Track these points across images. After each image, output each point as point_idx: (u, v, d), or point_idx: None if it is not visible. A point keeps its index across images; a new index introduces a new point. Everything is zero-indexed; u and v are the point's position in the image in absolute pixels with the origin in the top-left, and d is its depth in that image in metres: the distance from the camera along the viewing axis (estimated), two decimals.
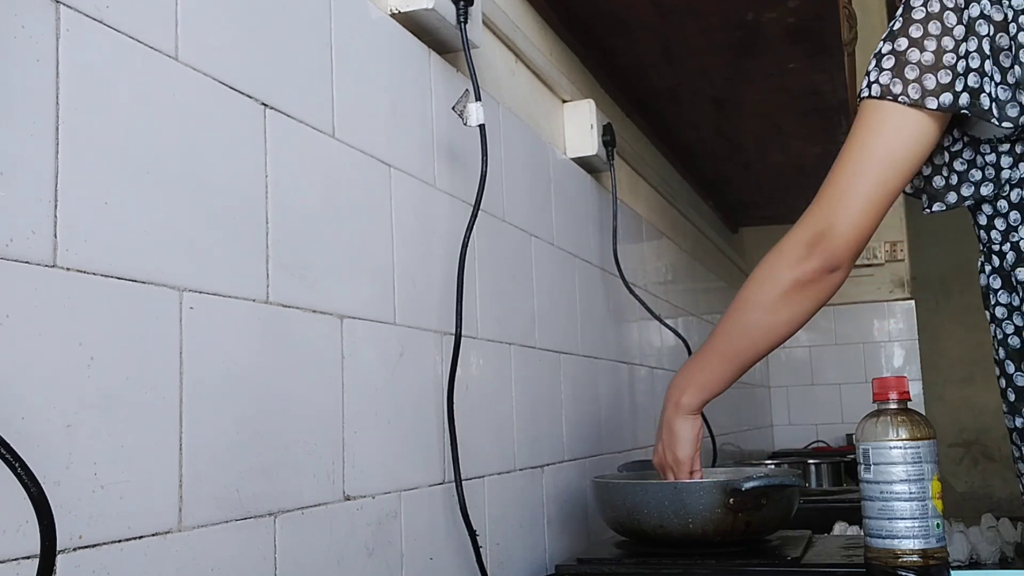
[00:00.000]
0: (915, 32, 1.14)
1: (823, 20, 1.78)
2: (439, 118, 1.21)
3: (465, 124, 1.19)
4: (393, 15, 1.15)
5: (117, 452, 0.68)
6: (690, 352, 2.13)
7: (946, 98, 1.12)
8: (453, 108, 1.19)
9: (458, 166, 1.24)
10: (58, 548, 0.61)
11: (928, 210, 1.26)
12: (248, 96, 0.86)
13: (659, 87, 2.07)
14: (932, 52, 1.13)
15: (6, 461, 0.57)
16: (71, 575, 0.63)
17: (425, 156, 1.17)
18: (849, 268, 1.21)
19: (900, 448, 1.06)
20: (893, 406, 1.09)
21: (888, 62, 1.15)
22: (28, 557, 0.60)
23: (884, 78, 1.15)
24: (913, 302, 4.06)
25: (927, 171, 1.25)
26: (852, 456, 2.77)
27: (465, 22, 1.20)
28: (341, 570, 0.92)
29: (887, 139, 1.15)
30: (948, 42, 1.12)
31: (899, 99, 1.13)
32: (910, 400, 1.11)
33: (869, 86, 1.16)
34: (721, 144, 2.53)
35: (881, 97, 1.14)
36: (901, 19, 1.16)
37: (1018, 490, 1.26)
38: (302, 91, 0.94)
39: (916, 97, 1.12)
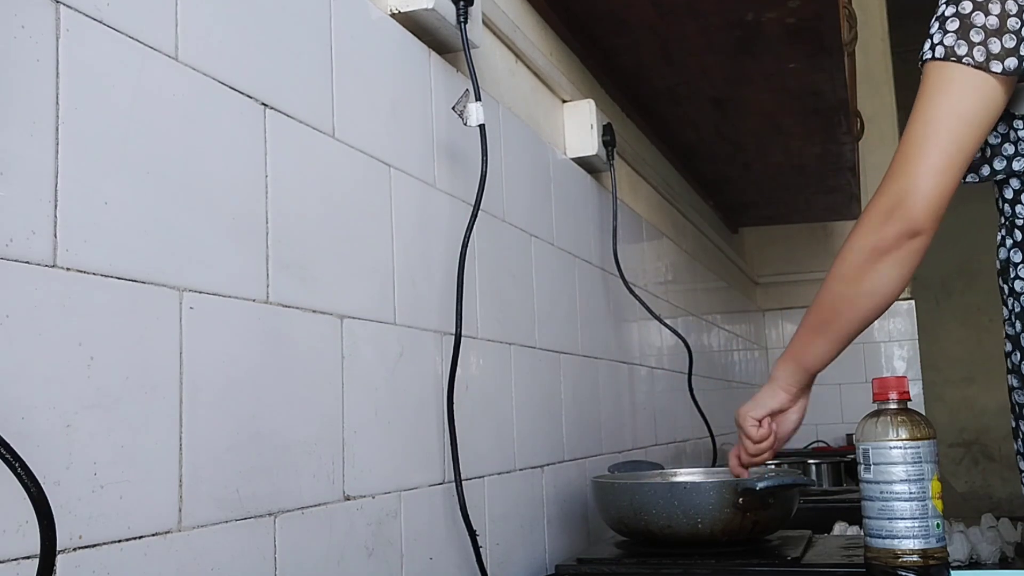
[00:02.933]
0: None
1: (823, 20, 1.77)
2: (439, 118, 1.21)
3: (465, 124, 1.19)
4: (393, 15, 1.15)
5: (117, 452, 0.68)
6: (690, 352, 2.14)
7: (1011, 62, 1.12)
8: (453, 108, 1.19)
9: (458, 166, 1.24)
10: (58, 548, 0.61)
11: (963, 180, 1.27)
12: (248, 96, 0.86)
13: (659, 87, 2.07)
14: (997, 16, 1.12)
15: (6, 461, 0.57)
16: (71, 575, 0.63)
17: (425, 156, 1.17)
18: (931, 233, 1.18)
19: (900, 448, 1.06)
20: (893, 406, 1.09)
21: (952, 24, 1.14)
22: (28, 557, 0.60)
23: (948, 40, 1.14)
24: (913, 302, 4.06)
25: None
26: (852, 456, 2.77)
27: (465, 22, 1.20)
28: (341, 570, 0.92)
29: (955, 99, 1.14)
30: (1012, 6, 1.12)
31: (963, 60, 1.13)
32: (910, 400, 1.11)
33: (932, 48, 1.15)
34: (721, 144, 2.53)
35: (945, 59, 1.14)
36: None
37: (1018, 490, 1.26)
38: (302, 91, 0.94)
39: (981, 60, 1.12)
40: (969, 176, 1.24)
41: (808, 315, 1.28)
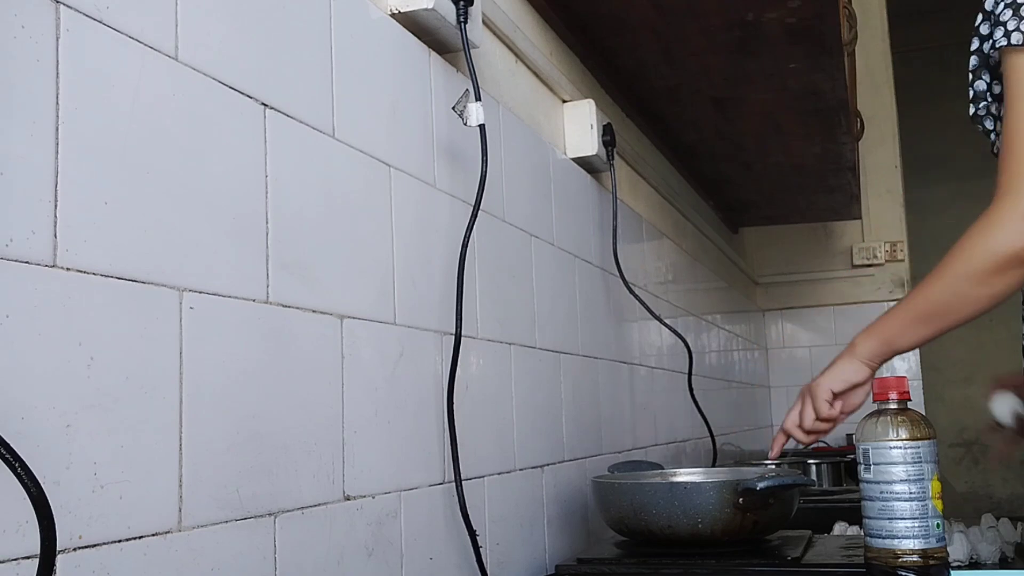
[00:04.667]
0: None
1: (823, 20, 1.77)
2: (439, 118, 1.21)
3: (465, 124, 1.19)
4: (393, 15, 1.15)
5: (117, 452, 0.68)
6: (690, 352, 2.13)
7: None
8: (453, 108, 1.19)
9: (458, 166, 1.24)
10: (58, 548, 0.61)
11: None
12: (248, 96, 0.86)
13: (659, 87, 2.07)
14: None
15: (6, 461, 0.57)
16: (71, 575, 0.63)
17: (425, 156, 1.17)
18: None
19: (900, 448, 1.06)
20: (893, 406, 1.09)
21: None
22: (28, 557, 0.60)
23: None
24: None
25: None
26: (852, 456, 2.77)
27: (465, 22, 1.20)
28: (341, 570, 0.92)
29: None
30: None
31: None
32: (910, 400, 1.11)
33: (1008, 35, 1.16)
34: (721, 144, 2.53)
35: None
36: None
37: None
38: (302, 91, 0.94)
39: None
40: None
41: (914, 302, 1.26)
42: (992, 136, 1.32)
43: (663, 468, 1.60)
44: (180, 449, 0.74)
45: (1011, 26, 1.16)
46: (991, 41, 1.18)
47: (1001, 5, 1.18)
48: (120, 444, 0.69)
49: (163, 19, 0.77)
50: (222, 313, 0.80)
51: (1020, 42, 1.14)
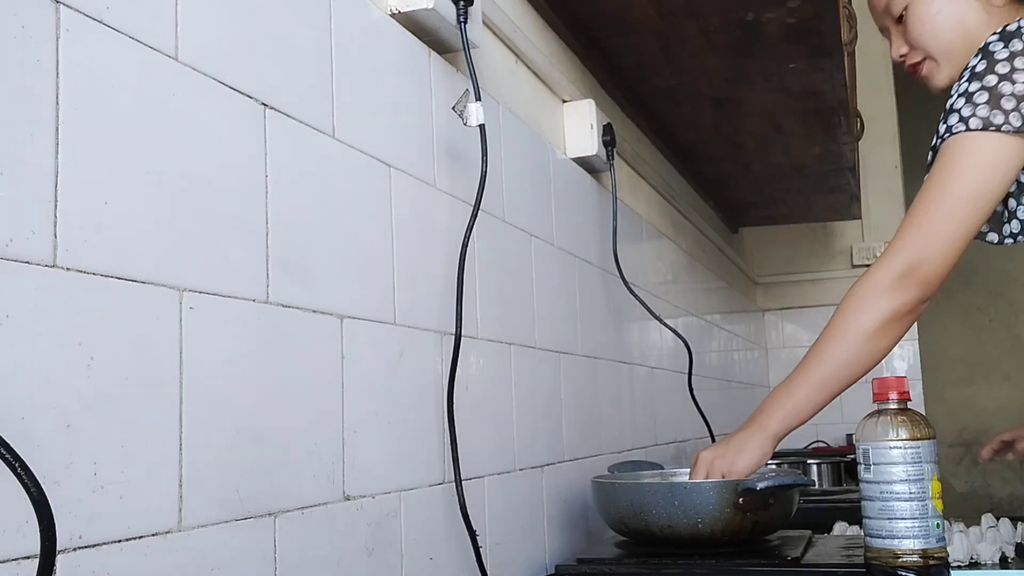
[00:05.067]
0: (1002, 69, 1.20)
1: (823, 20, 1.77)
2: (439, 118, 1.21)
3: (465, 124, 1.19)
4: (393, 15, 1.15)
5: (117, 452, 0.68)
6: (690, 352, 2.13)
7: None
8: (453, 108, 1.19)
9: (458, 166, 1.24)
10: (58, 548, 0.61)
11: (1009, 241, 1.35)
12: (248, 96, 0.86)
13: (659, 87, 2.07)
14: (1023, 84, 1.19)
15: (6, 461, 0.57)
16: (71, 575, 0.63)
17: (425, 156, 1.17)
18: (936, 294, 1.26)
19: (900, 448, 1.06)
20: (893, 406, 1.10)
21: (981, 97, 1.21)
22: (28, 557, 0.60)
23: (982, 112, 1.20)
24: None
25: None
26: (852, 456, 2.77)
27: (465, 22, 1.20)
28: (341, 570, 0.92)
29: (983, 174, 1.21)
30: None
31: (1002, 128, 1.19)
32: (910, 400, 1.11)
33: (965, 120, 1.21)
34: (721, 144, 2.53)
35: (984, 129, 1.19)
36: (984, 62, 1.22)
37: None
38: (302, 91, 0.94)
39: (1018, 124, 1.18)
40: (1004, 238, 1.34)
41: (813, 370, 1.30)
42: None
43: (663, 468, 1.60)
44: (180, 449, 0.74)
45: (966, 113, 1.21)
46: (944, 130, 1.24)
47: (955, 96, 1.24)
48: (120, 444, 0.69)
49: (163, 19, 0.77)
50: (222, 313, 0.80)
51: (978, 126, 1.19)
